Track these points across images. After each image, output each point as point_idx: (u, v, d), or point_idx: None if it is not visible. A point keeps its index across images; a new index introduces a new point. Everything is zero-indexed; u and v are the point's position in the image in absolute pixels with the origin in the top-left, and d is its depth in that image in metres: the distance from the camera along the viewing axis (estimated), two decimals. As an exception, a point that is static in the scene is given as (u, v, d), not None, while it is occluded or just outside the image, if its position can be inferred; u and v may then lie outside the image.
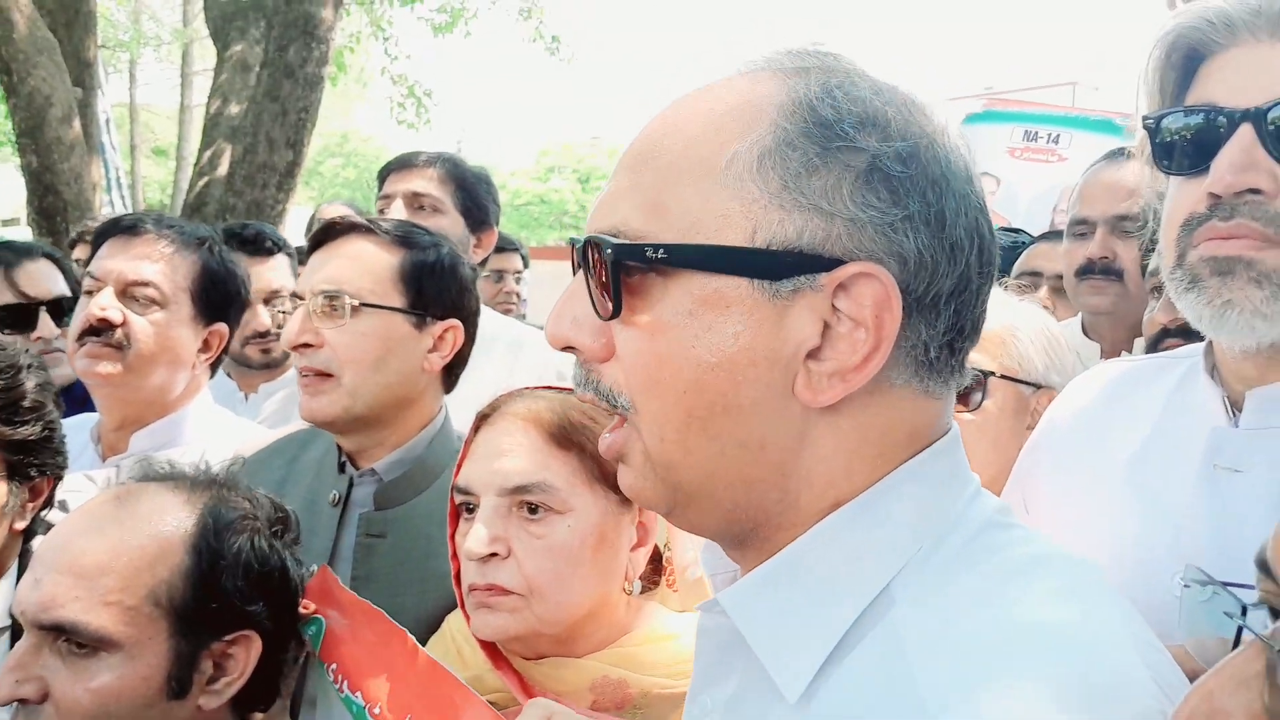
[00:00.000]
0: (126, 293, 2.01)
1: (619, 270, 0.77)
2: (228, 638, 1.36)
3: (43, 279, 2.73)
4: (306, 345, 1.72)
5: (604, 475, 1.36)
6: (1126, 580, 1.05)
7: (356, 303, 1.72)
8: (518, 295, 4.76)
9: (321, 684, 1.48)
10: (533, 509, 1.34)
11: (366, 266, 1.76)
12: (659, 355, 0.78)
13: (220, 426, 2.19)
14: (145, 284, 2.01)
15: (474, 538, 1.33)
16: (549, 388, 1.47)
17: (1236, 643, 0.64)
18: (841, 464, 0.79)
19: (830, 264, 0.75)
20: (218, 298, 2.12)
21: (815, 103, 0.77)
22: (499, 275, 4.61)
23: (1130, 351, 2.33)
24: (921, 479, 0.80)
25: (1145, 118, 1.20)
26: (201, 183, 7.75)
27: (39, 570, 1.33)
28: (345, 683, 1.41)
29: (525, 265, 4.90)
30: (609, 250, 0.77)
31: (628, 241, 0.78)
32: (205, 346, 2.12)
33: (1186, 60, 1.18)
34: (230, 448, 2.07)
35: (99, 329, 1.97)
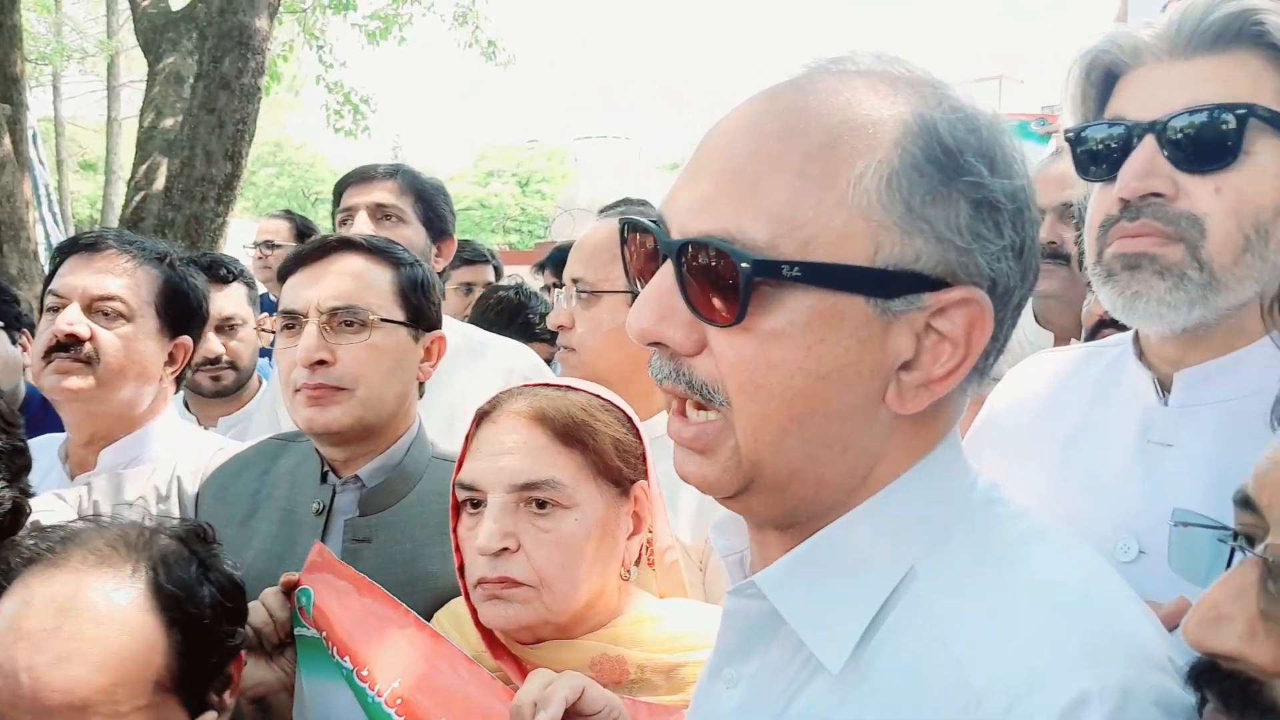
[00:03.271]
0: (92, 308, 2.00)
1: (751, 283, 0.78)
2: (226, 673, 1.38)
3: None
4: (321, 362, 1.74)
5: (606, 470, 1.42)
6: None
7: (376, 318, 1.76)
8: None
9: (309, 654, 1.51)
10: (540, 504, 1.39)
11: (369, 283, 1.80)
12: (769, 361, 0.80)
13: (187, 440, 2.19)
14: (111, 298, 2.01)
15: (486, 534, 1.37)
16: (547, 385, 1.50)
17: (1229, 564, 0.73)
18: (899, 462, 0.85)
19: (937, 285, 0.80)
20: (181, 311, 2.13)
21: (940, 129, 0.80)
22: (468, 288, 4.56)
23: (1080, 338, 2.45)
24: (935, 470, 0.87)
25: (1066, 131, 1.33)
26: (138, 198, 7.59)
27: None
28: (334, 649, 1.45)
29: (499, 276, 4.80)
30: (746, 265, 0.77)
31: (764, 257, 0.78)
32: (170, 360, 2.12)
33: (1105, 78, 1.31)
34: (198, 461, 2.08)
35: (66, 344, 1.96)
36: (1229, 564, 0.77)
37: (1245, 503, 0.72)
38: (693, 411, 0.85)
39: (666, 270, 0.83)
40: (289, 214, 4.96)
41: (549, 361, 3.09)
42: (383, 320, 1.78)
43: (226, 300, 3.04)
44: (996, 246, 0.81)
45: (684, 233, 0.82)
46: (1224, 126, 1.17)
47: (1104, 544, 1.22)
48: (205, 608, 1.33)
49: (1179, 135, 1.19)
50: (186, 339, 2.14)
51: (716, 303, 0.80)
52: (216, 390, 3.07)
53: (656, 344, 0.84)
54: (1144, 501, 1.22)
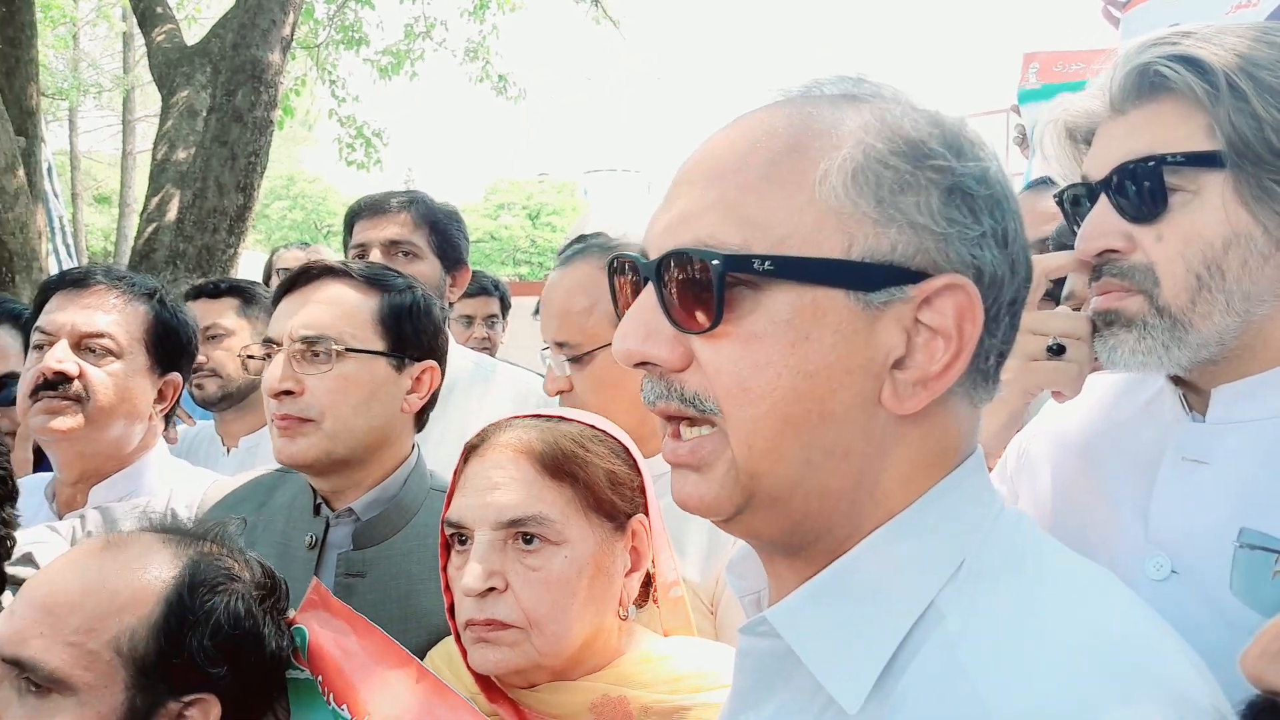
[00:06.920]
0: (81, 345, 1.96)
1: (724, 282, 0.77)
2: (186, 699, 1.31)
3: None
4: (287, 392, 1.69)
5: (598, 504, 1.35)
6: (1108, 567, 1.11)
7: (340, 348, 1.70)
8: (489, 340, 4.45)
9: (301, 698, 1.44)
10: (528, 540, 1.32)
11: (345, 310, 1.74)
12: (754, 363, 0.78)
13: (179, 475, 2.14)
14: (100, 335, 1.97)
15: (471, 574, 1.30)
16: (537, 415, 1.44)
17: None
18: (904, 473, 0.82)
19: (919, 276, 0.78)
20: (171, 348, 2.08)
21: (902, 122, 0.80)
22: (469, 320, 4.42)
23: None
24: (958, 494, 0.83)
25: (1054, 196, 1.36)
26: (150, 229, 7.62)
27: (17, 603, 1.29)
28: (331, 695, 1.38)
29: (505, 308, 4.58)
30: (716, 262, 0.77)
31: (735, 253, 0.77)
32: (160, 397, 2.09)
33: (1087, 137, 1.32)
34: (192, 495, 2.03)
35: (54, 382, 1.92)
36: None
37: None
38: (686, 430, 0.83)
39: (648, 291, 0.83)
40: (304, 246, 4.85)
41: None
42: (353, 350, 1.71)
43: (208, 310, 2.97)
44: (975, 233, 0.80)
45: (661, 251, 0.81)
46: (1145, 178, 1.18)
47: (1135, 561, 1.21)
48: (201, 611, 1.31)
49: (1121, 190, 1.20)
50: (176, 376, 2.10)
51: (696, 311, 0.79)
52: (202, 399, 3.01)
53: (645, 364, 0.83)
54: (1178, 519, 1.21)
